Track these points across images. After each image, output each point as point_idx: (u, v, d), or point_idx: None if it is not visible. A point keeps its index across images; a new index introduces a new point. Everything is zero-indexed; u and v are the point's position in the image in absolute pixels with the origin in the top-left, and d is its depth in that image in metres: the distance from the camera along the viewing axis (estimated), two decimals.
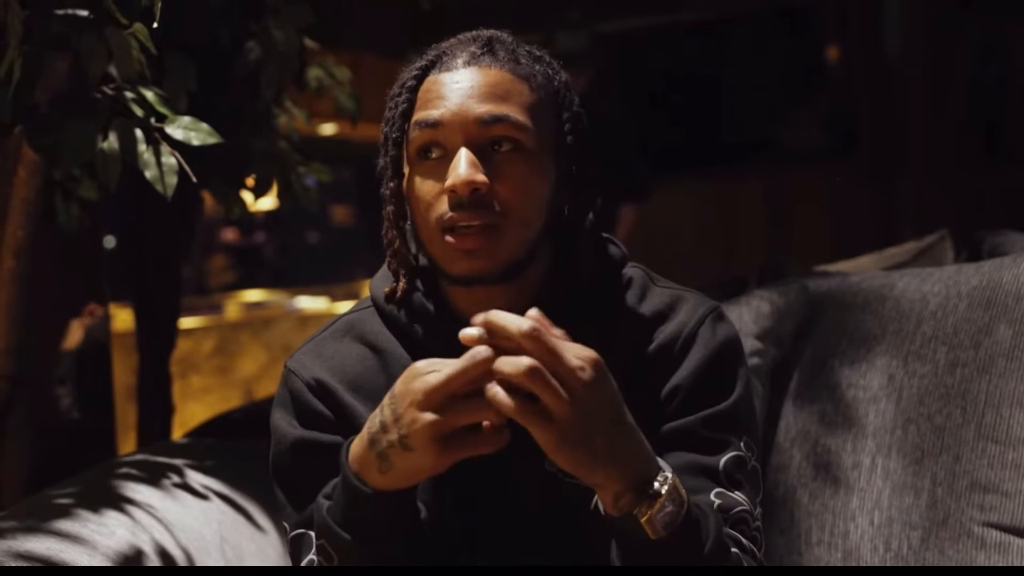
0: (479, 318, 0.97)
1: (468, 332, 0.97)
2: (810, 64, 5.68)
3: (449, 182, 1.11)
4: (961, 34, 4.95)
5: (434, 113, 1.13)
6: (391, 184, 1.18)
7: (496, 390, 0.94)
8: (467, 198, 1.11)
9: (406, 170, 1.18)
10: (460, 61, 1.16)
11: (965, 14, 4.95)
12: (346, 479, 1.05)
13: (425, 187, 1.14)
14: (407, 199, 1.18)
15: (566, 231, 1.21)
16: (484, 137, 1.13)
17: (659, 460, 1.03)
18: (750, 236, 5.36)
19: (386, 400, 1.02)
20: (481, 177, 1.11)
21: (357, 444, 1.05)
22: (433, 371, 0.98)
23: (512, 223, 1.13)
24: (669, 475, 1.01)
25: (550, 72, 1.20)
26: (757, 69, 5.76)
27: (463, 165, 1.11)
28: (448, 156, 1.13)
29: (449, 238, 1.12)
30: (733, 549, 1.09)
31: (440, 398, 0.97)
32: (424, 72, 1.17)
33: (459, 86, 1.14)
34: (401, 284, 1.21)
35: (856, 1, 5.34)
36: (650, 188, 4.29)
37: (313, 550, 1.17)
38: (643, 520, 0.99)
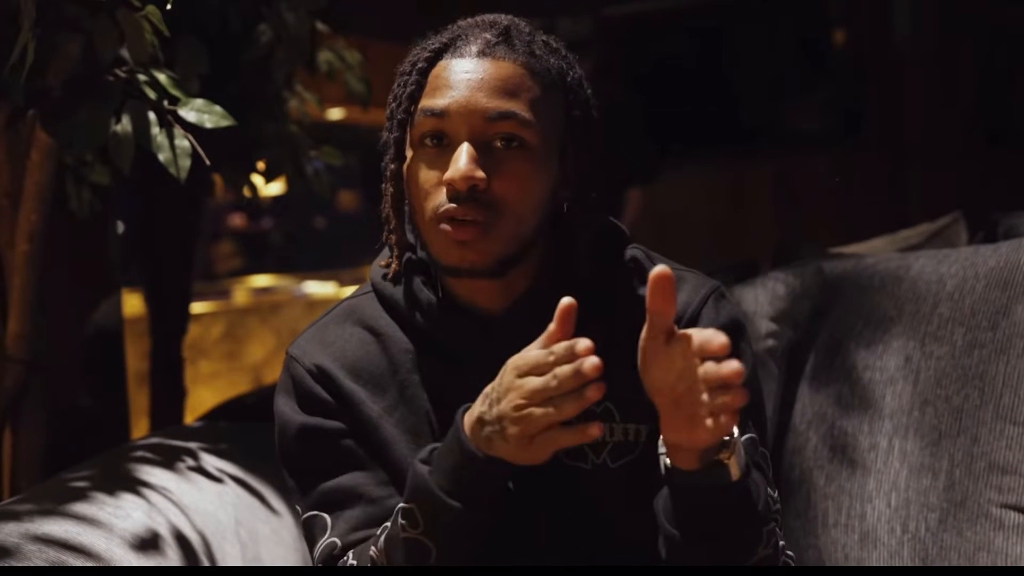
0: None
1: None
2: (818, 47, 5.66)
3: (447, 175, 1.11)
4: (970, 17, 4.93)
5: (440, 102, 1.13)
6: (392, 165, 1.18)
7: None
8: (464, 193, 1.10)
9: (408, 153, 1.17)
10: (474, 49, 1.14)
11: None
12: (460, 443, 1.05)
13: (425, 175, 1.14)
14: (407, 181, 1.17)
15: (566, 226, 1.20)
16: (489, 132, 1.12)
17: None
18: (758, 220, 5.34)
19: (491, 387, 1.03)
20: (480, 174, 1.10)
21: (472, 415, 1.05)
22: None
23: (506, 220, 1.12)
24: None
25: (564, 66, 1.18)
26: (765, 53, 5.73)
27: (463, 160, 1.10)
28: (451, 146, 1.13)
29: (444, 226, 1.12)
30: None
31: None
32: (436, 55, 1.16)
33: (469, 76, 1.13)
34: (393, 265, 1.22)
35: None
36: (656, 171, 4.28)
37: (328, 533, 1.17)
38: (728, 461, 1.04)
